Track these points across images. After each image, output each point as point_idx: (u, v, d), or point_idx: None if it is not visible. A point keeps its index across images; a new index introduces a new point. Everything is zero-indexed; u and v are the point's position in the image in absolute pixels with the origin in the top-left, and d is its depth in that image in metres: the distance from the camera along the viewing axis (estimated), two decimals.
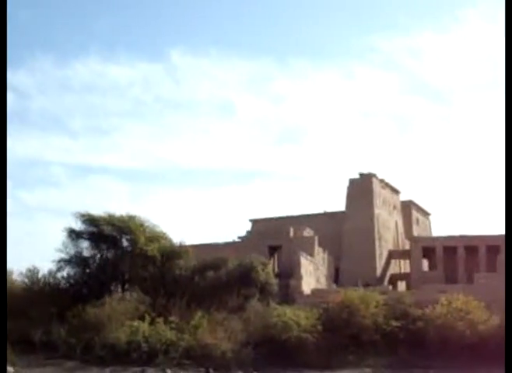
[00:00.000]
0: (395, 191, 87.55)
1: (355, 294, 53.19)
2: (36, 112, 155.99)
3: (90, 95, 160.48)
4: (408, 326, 51.11)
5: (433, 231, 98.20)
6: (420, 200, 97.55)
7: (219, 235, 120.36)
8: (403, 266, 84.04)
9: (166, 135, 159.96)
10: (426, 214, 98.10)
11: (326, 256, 72.56)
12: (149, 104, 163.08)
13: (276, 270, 67.15)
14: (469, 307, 51.07)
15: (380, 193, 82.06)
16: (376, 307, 52.20)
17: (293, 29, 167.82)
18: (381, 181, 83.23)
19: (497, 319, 50.92)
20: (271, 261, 67.97)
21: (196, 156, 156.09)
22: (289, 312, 50.95)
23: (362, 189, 79.98)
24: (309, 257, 64.08)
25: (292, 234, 67.40)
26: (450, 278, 71.36)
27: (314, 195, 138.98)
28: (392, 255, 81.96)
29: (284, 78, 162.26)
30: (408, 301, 53.35)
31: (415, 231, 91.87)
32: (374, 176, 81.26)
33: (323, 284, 69.74)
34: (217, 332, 49.84)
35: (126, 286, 59.46)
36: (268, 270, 57.71)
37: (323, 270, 71.20)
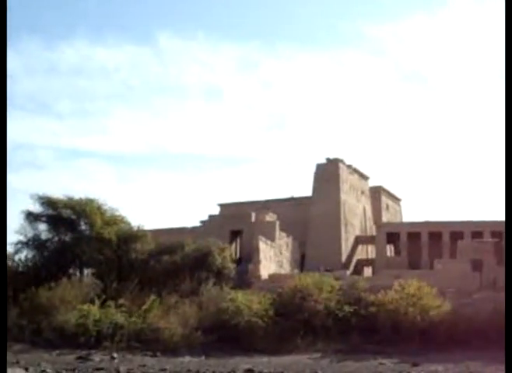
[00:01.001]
0: (364, 177, 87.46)
1: (308, 279, 53.13)
2: (23, 95, 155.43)
3: (78, 78, 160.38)
4: (361, 312, 51.15)
5: (404, 217, 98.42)
6: (391, 186, 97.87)
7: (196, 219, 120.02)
8: (370, 251, 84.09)
9: (153, 119, 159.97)
10: (396, 199, 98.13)
11: (290, 241, 72.41)
12: (136, 88, 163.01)
13: (238, 254, 67.09)
14: (421, 293, 51.08)
15: (347, 179, 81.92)
16: (330, 292, 52.16)
17: (281, 14, 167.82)
18: (349, 166, 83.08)
19: (449, 305, 51.16)
20: (233, 246, 67.91)
21: (183, 140, 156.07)
22: (240, 297, 50.81)
23: (328, 174, 79.89)
24: (269, 242, 63.88)
25: (253, 218, 67.11)
26: (414, 264, 71.56)
27: (295, 180, 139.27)
28: (359, 240, 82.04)
29: (272, 63, 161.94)
30: (361, 287, 53.27)
31: (385, 217, 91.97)
32: (341, 161, 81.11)
33: (286, 269, 69.66)
34: (169, 316, 49.76)
35: (84, 269, 59.26)
36: (225, 255, 57.54)
37: (286, 255, 71.09)
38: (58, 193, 61.23)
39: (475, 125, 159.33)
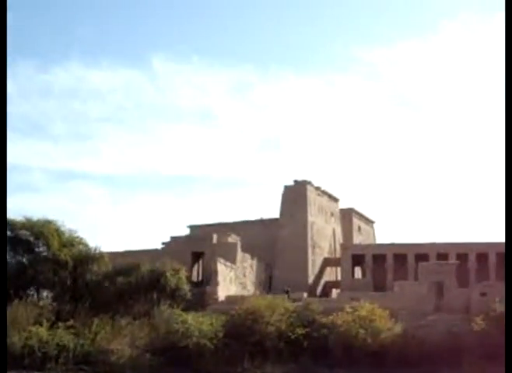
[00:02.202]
0: (334, 199, 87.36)
1: (261, 301, 52.98)
2: (17, 117, 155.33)
3: (72, 100, 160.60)
4: (313, 334, 50.97)
5: (379, 239, 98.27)
6: (365, 209, 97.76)
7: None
8: (339, 273, 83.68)
9: (147, 142, 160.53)
10: (369, 221, 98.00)
11: (255, 262, 72.18)
12: (130, 110, 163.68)
13: (201, 276, 66.81)
14: (373, 315, 50.96)
15: (315, 201, 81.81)
16: (282, 314, 51.97)
17: (275, 38, 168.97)
18: (317, 188, 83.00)
19: (400, 327, 51.05)
20: (195, 268, 67.65)
21: (177, 163, 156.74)
22: (191, 319, 50.62)
23: (296, 196, 79.73)
24: (228, 264, 63.64)
25: (215, 240, 66.92)
26: (379, 286, 71.22)
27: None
28: (327, 262, 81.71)
29: (265, 86, 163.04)
30: (315, 309, 53.07)
31: (357, 239, 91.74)
32: (309, 183, 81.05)
33: (250, 291, 69.29)
34: (119, 337, 49.53)
35: (40, 291, 58.98)
36: (180, 276, 57.29)
37: (251, 277, 70.82)
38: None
39: (459, 149, 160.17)
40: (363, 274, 77.65)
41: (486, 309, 51.25)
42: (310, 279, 78.01)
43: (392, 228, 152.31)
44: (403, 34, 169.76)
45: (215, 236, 67.26)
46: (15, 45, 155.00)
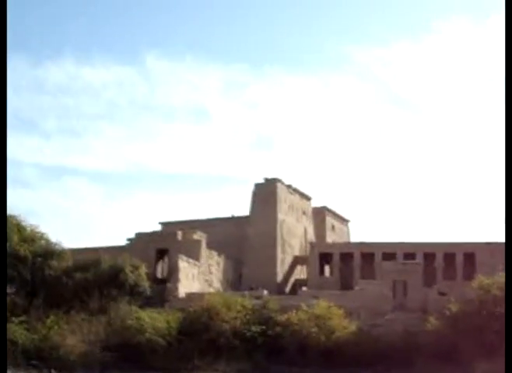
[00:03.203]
0: (306, 197, 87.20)
1: (218, 298, 52.88)
2: (10, 112, 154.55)
3: (64, 96, 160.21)
4: (268, 332, 50.90)
5: (354, 238, 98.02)
6: (341, 208, 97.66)
7: None
8: None
9: (139, 138, 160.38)
10: (343, 220, 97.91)
11: (222, 260, 72.04)
12: (123, 107, 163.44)
13: (165, 273, 66.59)
14: (329, 314, 50.89)
15: (286, 199, 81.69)
16: (238, 312, 51.86)
17: (269, 37, 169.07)
18: (288, 186, 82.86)
19: (354, 326, 51.02)
20: (160, 264, 67.50)
21: (169, 160, 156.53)
22: (146, 315, 50.49)
23: (266, 194, 79.58)
24: (191, 260, 63.43)
25: (180, 237, 66.73)
26: (346, 284, 71.15)
27: None
28: (297, 261, 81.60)
29: (258, 85, 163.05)
30: (272, 307, 52.99)
31: (330, 238, 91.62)
32: (280, 181, 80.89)
33: (217, 288, 69.15)
34: (73, 333, 49.35)
35: None
36: (139, 273, 57.13)
37: (217, 275, 70.68)
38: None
39: (445, 149, 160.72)
40: (332, 273, 77.61)
41: (443, 309, 51.24)
42: (279, 277, 77.88)
43: (371, 228, 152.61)
44: (397, 34, 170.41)
45: (179, 233, 67.10)
46: (8, 40, 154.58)
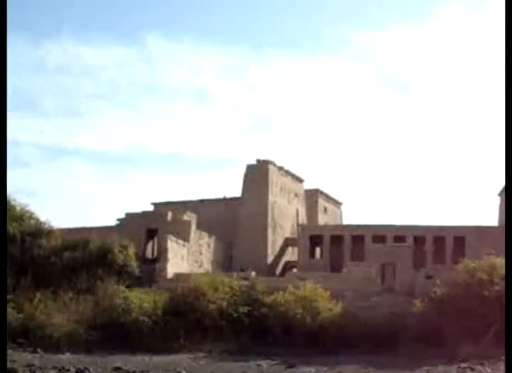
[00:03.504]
0: (298, 179, 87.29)
1: (205, 278, 53.08)
2: (9, 92, 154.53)
3: (64, 76, 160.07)
4: (254, 313, 51.14)
5: (347, 220, 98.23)
6: (334, 190, 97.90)
7: None
8: None
9: (139, 119, 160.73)
10: (336, 203, 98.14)
11: (213, 241, 72.20)
12: (123, 88, 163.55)
13: (156, 253, 66.81)
14: (314, 295, 51.09)
15: (277, 181, 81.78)
16: (226, 293, 52.04)
17: (269, 20, 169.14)
18: (280, 168, 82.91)
19: (340, 308, 51.24)
20: (150, 245, 67.69)
21: (169, 141, 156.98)
22: (133, 295, 50.71)
23: (257, 175, 79.64)
24: (181, 241, 63.54)
25: (169, 218, 66.86)
26: (337, 267, 71.39)
27: None
28: (288, 242, 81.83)
29: (259, 67, 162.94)
30: (260, 288, 53.20)
31: (322, 220, 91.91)
32: (271, 162, 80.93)
33: (207, 269, 69.32)
34: (60, 312, 49.65)
35: None
36: (128, 253, 57.34)
37: (208, 256, 70.86)
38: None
39: (443, 134, 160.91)
40: (322, 255, 77.92)
41: (430, 292, 51.46)
42: (270, 258, 78.19)
43: (365, 210, 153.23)
44: (396, 18, 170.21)
45: (169, 213, 67.24)
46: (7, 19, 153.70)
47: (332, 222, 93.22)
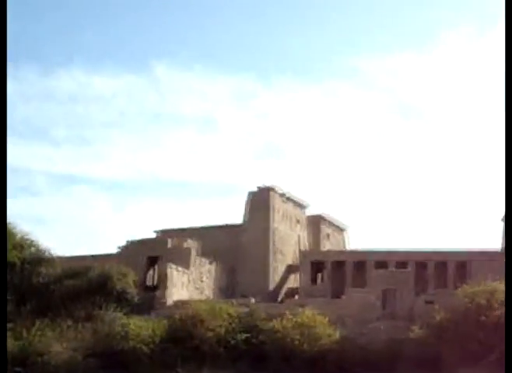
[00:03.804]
0: (300, 205, 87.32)
1: (203, 305, 53.05)
2: (20, 121, 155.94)
3: (74, 105, 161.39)
4: (253, 340, 51.02)
5: (352, 245, 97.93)
6: (338, 216, 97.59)
7: None
8: None
9: (149, 147, 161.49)
10: (339, 229, 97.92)
11: (214, 267, 72.19)
12: (132, 116, 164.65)
13: (156, 281, 66.78)
14: (313, 322, 50.95)
15: (279, 207, 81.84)
16: (224, 320, 51.97)
17: (276, 47, 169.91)
18: (282, 195, 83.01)
19: (338, 334, 51.06)
20: (151, 272, 67.74)
21: (178, 169, 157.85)
22: (130, 323, 50.72)
23: (259, 202, 79.75)
24: (180, 268, 63.59)
25: (170, 245, 66.98)
26: (338, 293, 71.13)
27: None
28: (291, 269, 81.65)
29: (267, 95, 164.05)
30: (258, 315, 53.11)
31: (325, 246, 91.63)
32: (273, 189, 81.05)
33: (208, 296, 69.27)
34: (60, 340, 49.67)
35: None
36: (127, 280, 57.43)
37: (209, 282, 70.82)
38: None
39: (450, 157, 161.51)
40: (323, 281, 77.66)
41: (429, 317, 51.25)
42: (272, 285, 77.99)
43: (371, 236, 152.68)
44: (402, 45, 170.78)
45: (169, 241, 67.39)
46: (18, 49, 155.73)
47: (335, 248, 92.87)
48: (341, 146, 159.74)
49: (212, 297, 69.16)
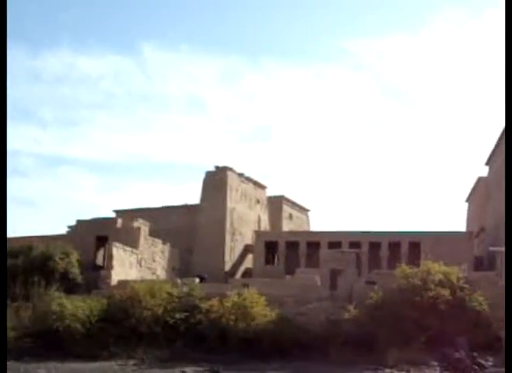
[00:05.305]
0: (260, 186, 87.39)
1: (142, 285, 53.04)
2: (7, 102, 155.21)
3: (61, 86, 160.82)
4: (191, 320, 51.07)
5: (313, 226, 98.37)
6: (301, 197, 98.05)
7: None
8: None
9: (136, 129, 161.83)
10: (303, 209, 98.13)
11: (168, 248, 72.17)
12: (119, 97, 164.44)
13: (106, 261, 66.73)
14: (250, 302, 50.96)
15: (237, 187, 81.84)
16: (163, 299, 52.00)
17: (264, 29, 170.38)
18: (240, 175, 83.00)
19: (274, 314, 51.15)
20: (101, 252, 67.73)
21: (166, 151, 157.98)
22: (67, 302, 50.67)
23: (216, 182, 79.76)
24: (128, 248, 63.50)
25: (119, 225, 66.87)
26: (291, 273, 71.27)
27: None
28: (249, 249, 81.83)
29: (255, 76, 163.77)
30: (197, 294, 53.13)
31: (287, 227, 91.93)
32: (230, 169, 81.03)
33: (161, 276, 69.28)
34: None
35: None
36: (70, 260, 57.36)
37: (162, 263, 70.81)
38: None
39: (436, 142, 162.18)
40: (278, 262, 77.96)
41: (366, 298, 51.41)
42: (228, 265, 78.20)
43: (335, 217, 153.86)
44: (391, 27, 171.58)
45: (119, 220, 67.29)
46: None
47: (298, 229, 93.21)
48: (329, 128, 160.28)
49: (164, 277, 69.17)
